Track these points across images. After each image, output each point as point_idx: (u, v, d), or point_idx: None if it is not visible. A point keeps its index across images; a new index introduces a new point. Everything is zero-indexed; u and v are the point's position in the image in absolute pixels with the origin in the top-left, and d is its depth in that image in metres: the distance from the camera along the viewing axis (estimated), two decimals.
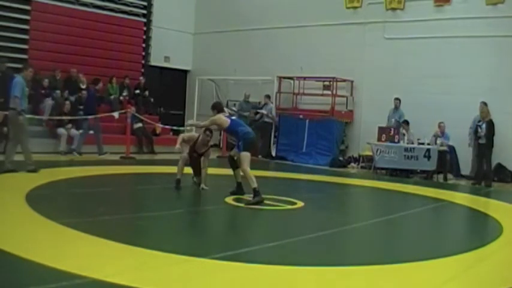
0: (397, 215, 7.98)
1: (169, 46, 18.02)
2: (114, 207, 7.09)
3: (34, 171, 9.19)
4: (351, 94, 15.18)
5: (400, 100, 13.71)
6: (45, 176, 8.81)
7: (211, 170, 9.12)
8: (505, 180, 12.36)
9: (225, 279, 4.21)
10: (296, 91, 16.01)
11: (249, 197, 7.89)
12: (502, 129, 12.14)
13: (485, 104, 12.07)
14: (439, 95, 13.24)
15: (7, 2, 13.96)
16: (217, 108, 8.39)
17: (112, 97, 14.99)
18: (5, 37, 13.97)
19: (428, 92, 13.42)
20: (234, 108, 16.55)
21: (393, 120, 13.66)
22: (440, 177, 12.38)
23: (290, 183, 10.99)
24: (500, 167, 12.44)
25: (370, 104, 14.63)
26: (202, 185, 8.72)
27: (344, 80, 14.99)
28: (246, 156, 7.81)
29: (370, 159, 13.50)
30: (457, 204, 9.38)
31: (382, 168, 13.18)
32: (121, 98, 15.11)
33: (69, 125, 12.91)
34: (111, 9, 16.34)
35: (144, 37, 17.24)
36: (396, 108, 13.76)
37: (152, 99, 16.22)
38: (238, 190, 8.23)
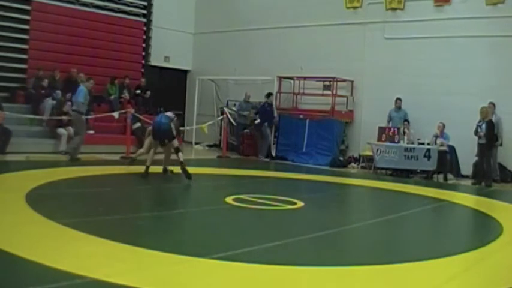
0: (397, 215, 7.98)
1: (169, 46, 18.03)
2: (114, 207, 7.09)
3: (77, 159, 11.54)
4: (351, 94, 15.17)
5: (401, 100, 13.70)
6: (45, 176, 8.81)
7: (211, 170, 9.13)
8: (505, 180, 12.36)
9: (225, 279, 4.21)
10: (296, 91, 16.01)
11: (249, 196, 7.90)
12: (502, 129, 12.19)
13: (493, 104, 12.10)
14: (439, 95, 13.24)
15: (7, 2, 13.97)
16: None
17: (112, 97, 15.00)
18: (5, 37, 13.97)
19: (428, 92, 13.42)
20: (234, 108, 16.57)
21: (397, 119, 13.55)
22: (441, 177, 12.38)
23: (290, 183, 10.98)
24: (500, 166, 12.44)
25: (370, 104, 14.62)
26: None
27: (344, 80, 14.98)
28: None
29: (370, 159, 13.49)
30: (457, 204, 9.37)
31: (382, 168, 13.18)
32: (121, 98, 15.13)
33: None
34: (111, 9, 16.35)
35: (144, 37, 17.25)
36: (399, 108, 13.72)
37: (152, 99, 16.22)
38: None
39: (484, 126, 11.72)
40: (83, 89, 11.75)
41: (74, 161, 11.43)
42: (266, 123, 15.00)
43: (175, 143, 9.79)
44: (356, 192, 10.91)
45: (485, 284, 4.59)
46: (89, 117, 13.55)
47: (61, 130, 12.74)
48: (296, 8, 16.11)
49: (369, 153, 13.45)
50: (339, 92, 14.86)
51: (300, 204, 7.90)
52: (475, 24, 12.95)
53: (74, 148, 11.80)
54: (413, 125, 13.28)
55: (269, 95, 15.26)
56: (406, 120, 13.35)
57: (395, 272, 4.70)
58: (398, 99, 13.73)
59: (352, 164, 14.39)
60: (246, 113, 15.89)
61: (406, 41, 14.13)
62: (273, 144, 15.50)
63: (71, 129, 12.87)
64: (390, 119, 13.77)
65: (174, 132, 9.78)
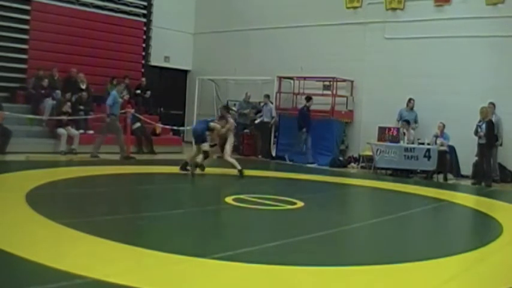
0: (397, 215, 7.97)
1: (169, 46, 18.03)
2: (114, 207, 7.09)
3: (128, 158, 12.47)
4: (351, 94, 15.17)
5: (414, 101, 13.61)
6: (45, 176, 8.81)
7: (211, 170, 9.13)
8: (505, 180, 12.36)
9: (225, 279, 4.21)
10: (296, 91, 16.01)
11: (249, 196, 7.92)
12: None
13: (493, 104, 12.10)
14: (439, 95, 13.24)
15: (7, 2, 13.97)
16: None
17: None
18: (5, 37, 13.97)
19: (428, 92, 13.41)
20: (234, 108, 16.57)
21: (408, 120, 13.30)
22: (440, 177, 12.38)
23: (290, 183, 10.98)
24: (500, 166, 12.44)
25: (370, 104, 14.62)
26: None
27: (344, 80, 14.98)
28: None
29: (370, 159, 13.49)
30: (457, 204, 9.37)
31: (382, 168, 13.18)
32: (120, 98, 15.10)
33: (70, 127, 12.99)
34: (111, 9, 16.35)
35: (144, 37, 17.25)
36: (411, 109, 13.63)
37: (152, 99, 16.23)
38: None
39: (484, 126, 11.71)
40: (113, 93, 12.75)
41: (127, 159, 12.38)
42: (304, 129, 14.27)
43: (204, 146, 10.58)
44: (356, 192, 10.91)
45: (485, 284, 4.59)
46: (89, 117, 13.64)
47: (61, 130, 12.75)
48: (296, 8, 16.11)
49: (369, 153, 13.45)
50: (339, 92, 14.86)
51: (300, 204, 7.90)
52: (475, 24, 12.95)
53: (122, 150, 12.67)
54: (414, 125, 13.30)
55: (309, 99, 14.47)
56: (406, 121, 13.32)
57: (395, 272, 4.70)
58: (411, 99, 13.58)
59: (352, 164, 14.39)
60: (246, 111, 15.86)
61: (406, 41, 14.13)
62: (273, 144, 15.50)
63: (70, 129, 12.89)
64: (400, 118, 13.52)
65: (207, 137, 10.72)
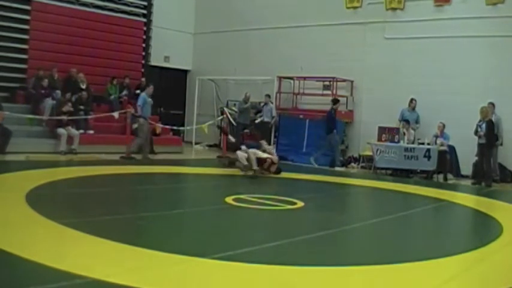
0: (397, 215, 7.97)
1: (169, 46, 18.03)
2: (114, 207, 7.08)
3: (147, 159, 12.58)
4: (351, 94, 15.17)
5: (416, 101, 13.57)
6: (45, 176, 8.81)
7: (211, 170, 9.13)
8: (505, 180, 12.36)
9: (225, 279, 4.21)
10: (296, 91, 16.01)
11: (249, 196, 7.92)
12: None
13: (492, 104, 12.10)
14: (439, 95, 13.24)
15: (7, 2, 13.96)
16: None
17: (112, 97, 15.01)
18: (5, 37, 13.97)
19: (428, 92, 13.41)
20: (234, 108, 16.57)
21: (410, 120, 13.29)
22: (440, 177, 12.38)
23: (290, 183, 10.98)
24: (500, 166, 12.44)
25: (370, 104, 14.62)
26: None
27: (344, 80, 14.98)
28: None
29: (370, 159, 13.49)
30: (457, 204, 9.37)
31: (382, 168, 13.18)
32: (120, 98, 15.13)
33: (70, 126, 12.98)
34: (111, 9, 16.34)
35: (144, 37, 17.24)
36: (413, 109, 13.59)
37: (152, 99, 16.20)
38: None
39: (484, 126, 11.72)
40: (142, 95, 13.11)
41: (146, 160, 12.49)
42: (335, 131, 13.97)
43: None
44: (356, 192, 10.91)
45: (485, 284, 4.59)
46: (89, 117, 13.65)
47: (61, 130, 12.74)
48: (296, 8, 16.12)
49: (369, 153, 13.46)
50: (339, 92, 14.87)
51: (300, 204, 7.90)
52: (475, 24, 12.96)
53: (144, 151, 12.83)
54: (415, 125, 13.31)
55: (336, 101, 14.16)
56: (406, 120, 13.31)
57: (395, 272, 4.70)
58: (413, 100, 13.55)
59: (352, 164, 14.38)
60: (247, 105, 15.78)
61: (406, 41, 14.14)
62: (273, 144, 15.50)
63: (70, 129, 12.89)
64: (402, 118, 13.48)
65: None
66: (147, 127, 13.02)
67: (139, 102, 12.91)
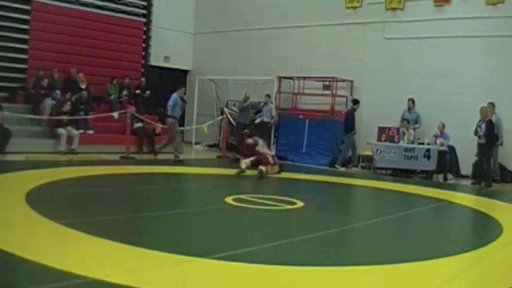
0: (397, 215, 7.97)
1: (169, 46, 18.03)
2: (114, 207, 7.08)
3: (180, 161, 12.62)
4: (351, 94, 15.17)
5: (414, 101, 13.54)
6: (45, 176, 8.81)
7: (211, 170, 9.12)
8: (505, 180, 12.35)
9: (225, 279, 4.21)
10: (296, 91, 16.01)
11: (249, 196, 7.93)
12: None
13: (492, 104, 12.10)
14: (439, 95, 13.24)
15: (7, 2, 13.97)
16: None
17: (112, 97, 15.01)
18: (5, 37, 13.97)
19: (428, 92, 13.42)
20: (234, 108, 16.57)
21: (410, 121, 13.24)
22: (440, 177, 12.38)
23: (290, 183, 10.99)
24: (500, 166, 12.43)
25: (370, 104, 14.61)
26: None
27: (344, 80, 14.98)
28: None
29: (370, 159, 13.49)
30: (457, 204, 9.38)
31: (382, 168, 13.18)
32: (120, 98, 15.13)
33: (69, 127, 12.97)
34: (111, 9, 16.35)
35: (144, 37, 17.25)
36: (410, 109, 13.56)
37: (152, 99, 16.22)
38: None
39: (483, 126, 11.71)
40: (173, 95, 13.02)
41: (178, 163, 12.51)
42: (354, 132, 13.97)
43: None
44: (356, 192, 10.92)
45: (485, 284, 4.59)
46: (89, 117, 13.65)
47: (61, 130, 12.74)
48: (296, 8, 16.12)
49: (369, 153, 13.45)
50: (339, 92, 14.87)
51: (300, 204, 7.90)
52: (475, 24, 12.95)
53: (176, 151, 12.99)
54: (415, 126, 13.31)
55: (356, 101, 14.12)
56: (406, 120, 13.30)
57: (395, 272, 4.70)
58: (411, 100, 13.51)
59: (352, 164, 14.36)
60: (246, 103, 15.76)
61: (406, 41, 14.14)
62: (273, 144, 15.50)
63: (70, 129, 12.89)
64: (402, 119, 13.40)
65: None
66: (176, 128, 13.17)
67: (170, 102, 12.88)
